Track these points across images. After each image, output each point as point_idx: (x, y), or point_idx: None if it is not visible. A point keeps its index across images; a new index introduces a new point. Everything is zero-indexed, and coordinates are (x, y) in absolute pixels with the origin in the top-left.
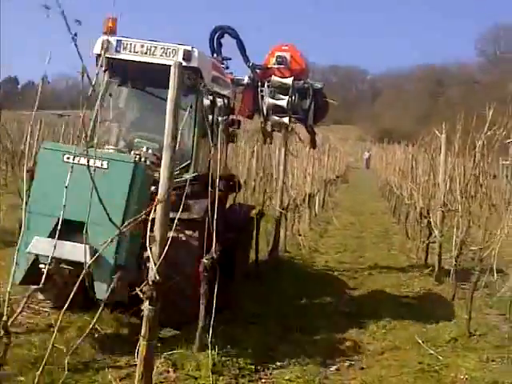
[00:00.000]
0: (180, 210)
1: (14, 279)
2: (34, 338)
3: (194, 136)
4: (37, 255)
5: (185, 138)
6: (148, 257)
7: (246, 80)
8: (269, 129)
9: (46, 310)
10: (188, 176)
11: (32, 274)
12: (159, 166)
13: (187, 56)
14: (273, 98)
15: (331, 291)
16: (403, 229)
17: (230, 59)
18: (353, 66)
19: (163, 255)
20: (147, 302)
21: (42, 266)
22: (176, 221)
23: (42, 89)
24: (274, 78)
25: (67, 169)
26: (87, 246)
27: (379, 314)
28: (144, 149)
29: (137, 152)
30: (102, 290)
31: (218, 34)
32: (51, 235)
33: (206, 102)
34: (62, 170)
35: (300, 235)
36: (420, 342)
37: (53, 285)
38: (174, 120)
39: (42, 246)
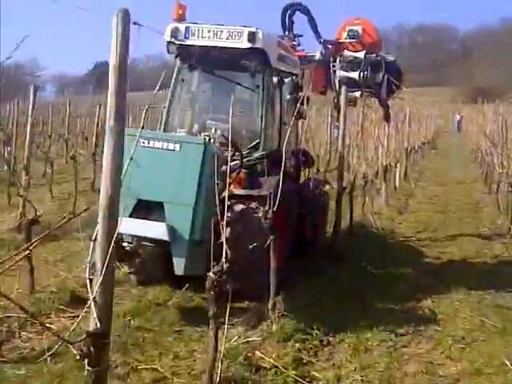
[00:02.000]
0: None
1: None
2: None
3: (261, 115)
4: (120, 234)
5: (253, 118)
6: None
7: (317, 56)
8: None
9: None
10: (257, 154)
11: (117, 252)
12: (228, 146)
13: (251, 38)
14: (345, 72)
15: (396, 289)
16: (495, 200)
17: (301, 36)
18: (442, 24)
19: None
20: (86, 362)
21: (125, 244)
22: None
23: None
24: (346, 53)
25: (143, 153)
26: (164, 224)
27: (458, 321)
28: (213, 130)
29: (206, 134)
30: (179, 265)
31: (289, 12)
32: (132, 215)
33: (274, 80)
34: (138, 154)
35: (373, 214)
36: (508, 363)
37: (137, 261)
38: (121, 95)
39: (124, 225)
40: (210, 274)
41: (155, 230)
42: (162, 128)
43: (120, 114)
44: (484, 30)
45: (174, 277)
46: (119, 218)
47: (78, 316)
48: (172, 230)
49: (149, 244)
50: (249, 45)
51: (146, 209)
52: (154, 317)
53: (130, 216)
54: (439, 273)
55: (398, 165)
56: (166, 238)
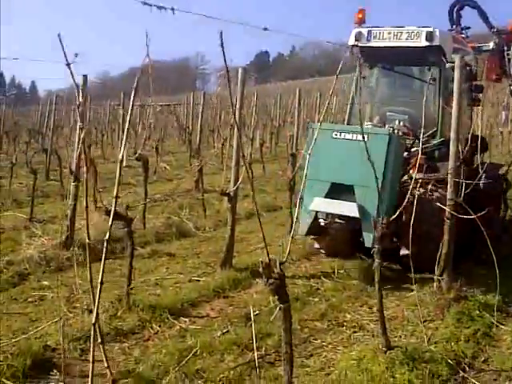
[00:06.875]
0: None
1: (299, 232)
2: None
3: (438, 105)
4: (316, 212)
5: (431, 108)
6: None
7: (491, 46)
8: None
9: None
10: (435, 141)
11: (314, 227)
12: (409, 135)
13: (430, 37)
14: None
15: None
16: None
17: (469, 28)
18: None
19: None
20: None
21: (320, 220)
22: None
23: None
24: None
25: (336, 143)
26: (355, 204)
27: None
28: (396, 122)
29: (390, 125)
30: (369, 239)
31: (457, 7)
32: (326, 196)
33: (450, 73)
34: (331, 144)
35: None
36: None
37: (327, 237)
38: None
39: (320, 204)
40: None
41: (348, 208)
42: (345, 121)
43: None
44: None
45: (360, 250)
46: (316, 198)
47: None
48: (362, 209)
49: (340, 221)
50: (427, 43)
51: (338, 191)
52: None
53: (325, 197)
54: None
55: None
56: (356, 215)
